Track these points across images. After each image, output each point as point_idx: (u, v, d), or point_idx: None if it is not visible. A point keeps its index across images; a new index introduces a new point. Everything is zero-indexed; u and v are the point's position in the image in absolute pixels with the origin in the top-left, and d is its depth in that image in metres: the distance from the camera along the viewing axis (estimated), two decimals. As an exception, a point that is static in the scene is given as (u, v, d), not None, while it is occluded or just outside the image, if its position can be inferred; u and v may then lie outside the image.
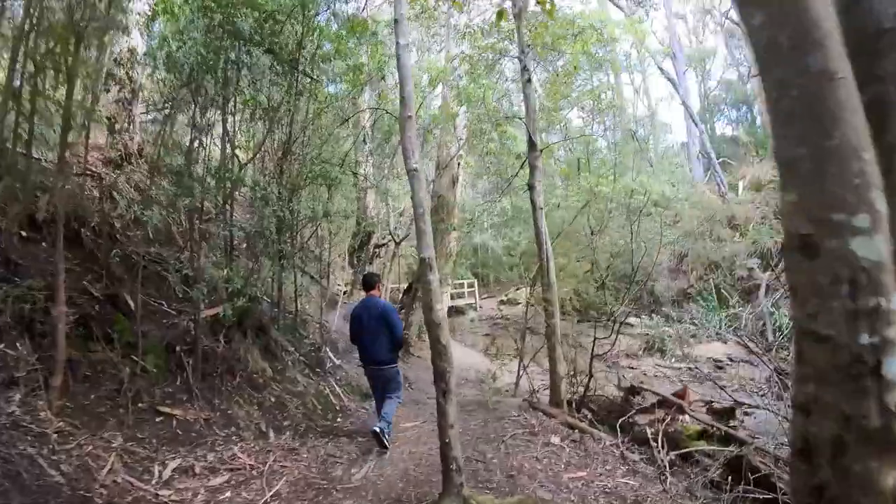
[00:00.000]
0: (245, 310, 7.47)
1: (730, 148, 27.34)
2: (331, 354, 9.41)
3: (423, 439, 7.19)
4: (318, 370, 8.70)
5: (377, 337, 6.67)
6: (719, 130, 30.88)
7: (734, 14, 30.78)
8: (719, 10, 32.15)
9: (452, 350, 5.33)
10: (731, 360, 14.34)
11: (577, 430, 8.11)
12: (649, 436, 7.62)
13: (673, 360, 14.68)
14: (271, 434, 6.49)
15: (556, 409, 9.05)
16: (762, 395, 12.54)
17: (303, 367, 8.46)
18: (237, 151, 8.48)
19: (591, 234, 14.08)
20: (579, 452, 7.05)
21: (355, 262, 16.23)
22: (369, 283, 7.10)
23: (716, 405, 9.10)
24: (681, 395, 9.05)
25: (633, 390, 9.59)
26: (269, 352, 8.01)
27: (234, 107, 8.18)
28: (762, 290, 16.83)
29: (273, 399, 7.22)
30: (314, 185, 9.06)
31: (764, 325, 15.40)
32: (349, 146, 11.84)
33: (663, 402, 8.82)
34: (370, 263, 16.94)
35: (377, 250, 16.70)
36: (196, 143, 7.41)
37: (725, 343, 14.97)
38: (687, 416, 8.48)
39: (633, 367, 14.03)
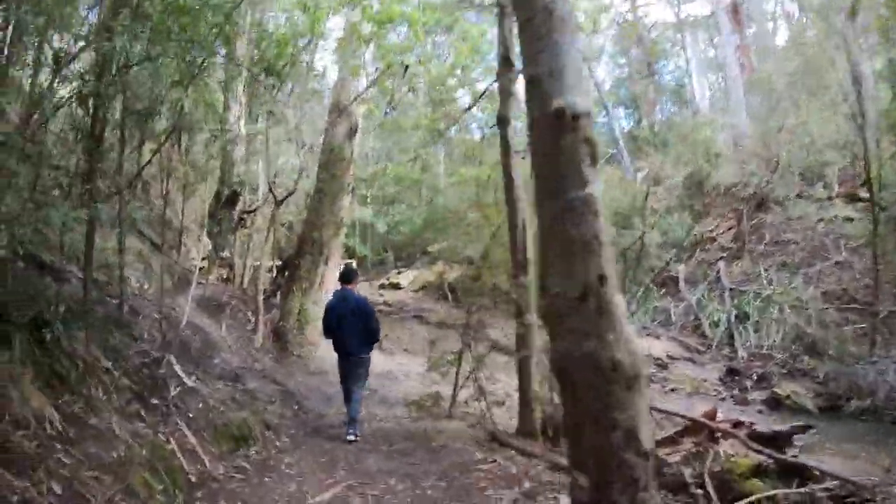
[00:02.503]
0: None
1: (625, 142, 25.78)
2: (179, 369, 5.36)
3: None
4: (155, 401, 4.68)
5: (354, 330, 6.34)
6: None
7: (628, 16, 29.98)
8: (616, 9, 30.60)
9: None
10: (670, 357, 11.98)
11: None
12: (689, 480, 5.15)
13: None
14: None
15: (530, 441, 6.12)
16: (722, 399, 10.38)
17: (127, 399, 4.43)
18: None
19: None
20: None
21: (215, 229, 11.89)
22: (348, 276, 6.87)
23: (758, 428, 6.34)
24: (710, 415, 6.28)
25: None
26: (56, 375, 3.97)
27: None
28: (681, 282, 14.76)
29: (58, 489, 3.23)
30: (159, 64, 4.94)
31: (695, 319, 13.26)
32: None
33: (692, 428, 6.04)
34: (233, 234, 12.69)
35: (245, 216, 12.47)
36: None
37: (658, 339, 12.58)
38: (725, 446, 5.80)
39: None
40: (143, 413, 4.44)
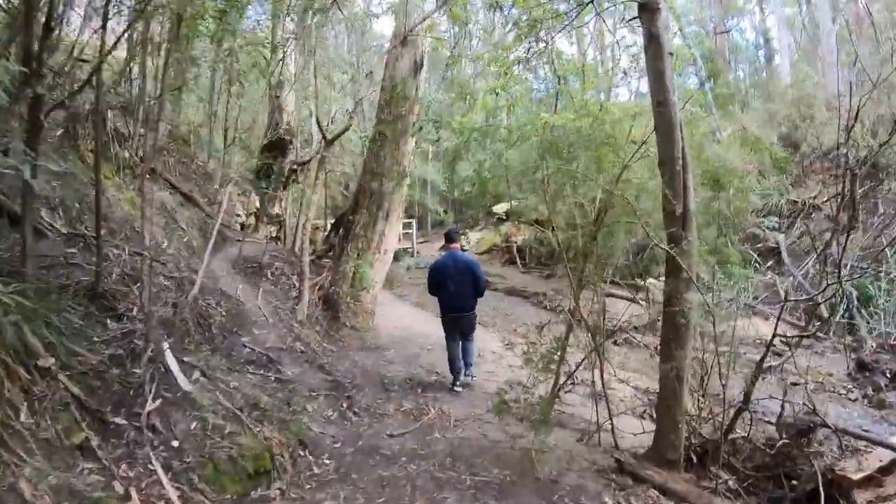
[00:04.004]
0: None
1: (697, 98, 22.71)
2: (173, 362, 3.42)
3: None
4: (119, 422, 2.77)
5: (464, 288, 6.25)
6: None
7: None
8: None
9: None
10: (787, 344, 9.63)
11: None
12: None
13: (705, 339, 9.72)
14: None
15: (674, 473, 4.11)
16: (854, 400, 8.15)
17: (70, 423, 2.53)
18: None
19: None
20: None
21: (263, 181, 10.02)
22: (452, 236, 6.76)
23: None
24: (915, 445, 4.20)
25: (806, 429, 4.53)
26: None
27: None
28: (784, 254, 12.27)
29: None
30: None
31: (807, 298, 10.81)
32: None
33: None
34: (284, 188, 10.87)
35: (298, 168, 10.57)
36: None
37: (766, 319, 10.19)
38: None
39: (647, 347, 9.01)
40: (94, 445, 2.54)
